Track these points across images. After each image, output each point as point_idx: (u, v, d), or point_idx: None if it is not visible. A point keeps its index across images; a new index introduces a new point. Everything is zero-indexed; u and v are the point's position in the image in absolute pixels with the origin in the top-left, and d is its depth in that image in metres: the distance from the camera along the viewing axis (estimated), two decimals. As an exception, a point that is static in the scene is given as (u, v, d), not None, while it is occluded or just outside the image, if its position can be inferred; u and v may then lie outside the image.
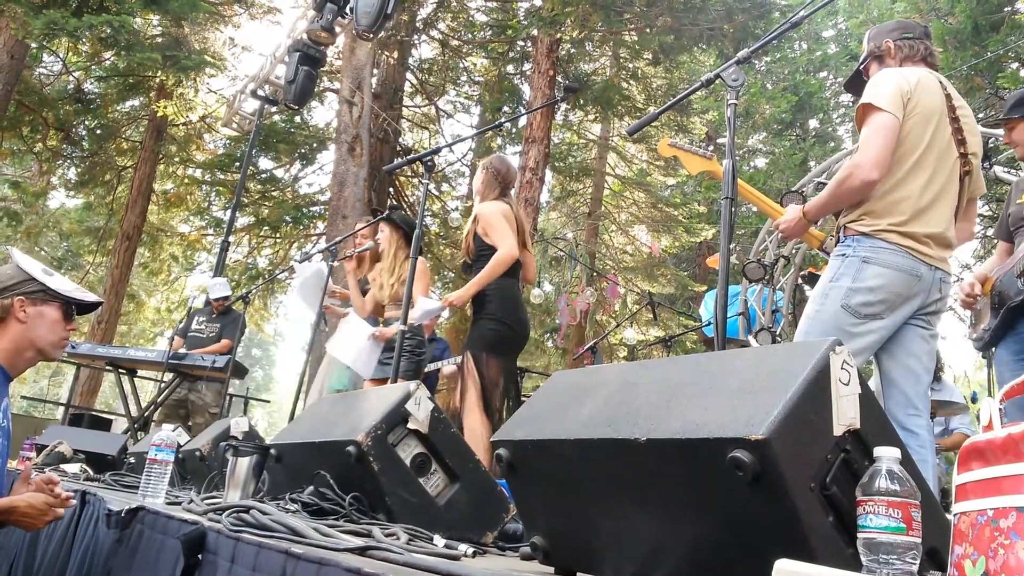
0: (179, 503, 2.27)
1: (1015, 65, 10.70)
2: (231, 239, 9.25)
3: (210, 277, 8.72)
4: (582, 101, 13.19)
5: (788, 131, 15.85)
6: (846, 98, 16.14)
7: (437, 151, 4.05)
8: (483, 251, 3.96)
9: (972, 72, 9.88)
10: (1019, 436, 0.94)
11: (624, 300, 15.47)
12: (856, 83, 2.89)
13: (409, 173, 14.41)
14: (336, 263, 4.92)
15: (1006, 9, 9.92)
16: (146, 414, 6.72)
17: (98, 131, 14.74)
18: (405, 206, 14.01)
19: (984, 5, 9.85)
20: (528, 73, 13.62)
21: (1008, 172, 5.67)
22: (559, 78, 12.28)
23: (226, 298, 6.81)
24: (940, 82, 2.62)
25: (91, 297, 2.26)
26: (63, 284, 2.22)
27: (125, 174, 15.31)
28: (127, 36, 10.34)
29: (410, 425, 2.09)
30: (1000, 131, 5.83)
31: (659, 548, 1.28)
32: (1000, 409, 1.05)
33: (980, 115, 10.43)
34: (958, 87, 9.74)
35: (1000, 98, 10.81)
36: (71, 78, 14.26)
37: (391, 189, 13.74)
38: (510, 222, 3.95)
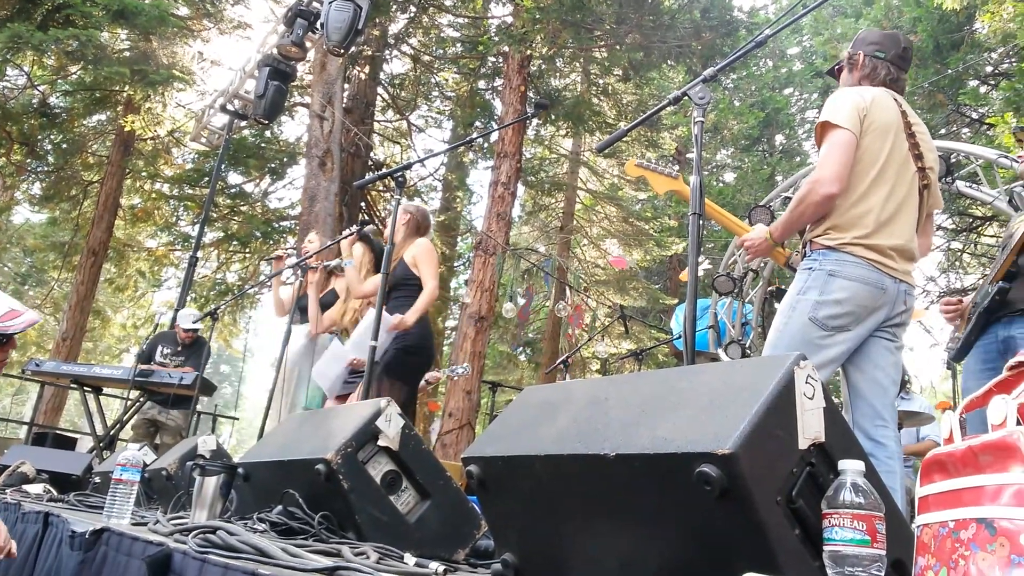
0: (145, 524, 2.23)
1: (975, 82, 10.96)
2: (199, 254, 9.15)
3: (178, 294, 8.58)
4: (553, 116, 13.27)
5: (755, 146, 16.06)
6: (812, 114, 16.40)
7: (408, 166, 4.12)
8: (407, 280, 4.23)
9: (934, 89, 10.09)
10: (979, 448, 0.96)
11: (595, 314, 15.52)
12: (832, 74, 3.02)
13: (381, 188, 14.38)
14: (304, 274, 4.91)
15: (965, 28, 10.17)
16: (112, 433, 6.59)
17: (64, 145, 14.53)
18: (377, 221, 13.97)
19: (945, 24, 10.08)
20: (500, 88, 13.67)
21: (970, 187, 5.78)
22: (530, 93, 12.35)
23: (196, 331, 6.67)
24: (896, 99, 2.68)
25: (17, 324, 2.21)
26: None
27: (91, 189, 15.10)
28: (94, 50, 10.23)
29: (380, 442, 2.08)
30: (962, 145, 5.97)
31: (629, 563, 1.28)
32: (962, 420, 1.07)
33: (942, 130, 10.65)
34: (921, 103, 9.99)
35: (961, 114, 11.07)
36: (36, 92, 14.04)
37: (362, 204, 13.69)
38: (437, 261, 4.35)
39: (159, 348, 6.63)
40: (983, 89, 10.91)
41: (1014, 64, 9.76)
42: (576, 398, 1.55)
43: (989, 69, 11.04)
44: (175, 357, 6.56)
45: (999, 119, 7.85)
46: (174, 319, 7.10)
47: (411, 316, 4.06)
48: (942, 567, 0.95)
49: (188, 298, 9.07)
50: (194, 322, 6.60)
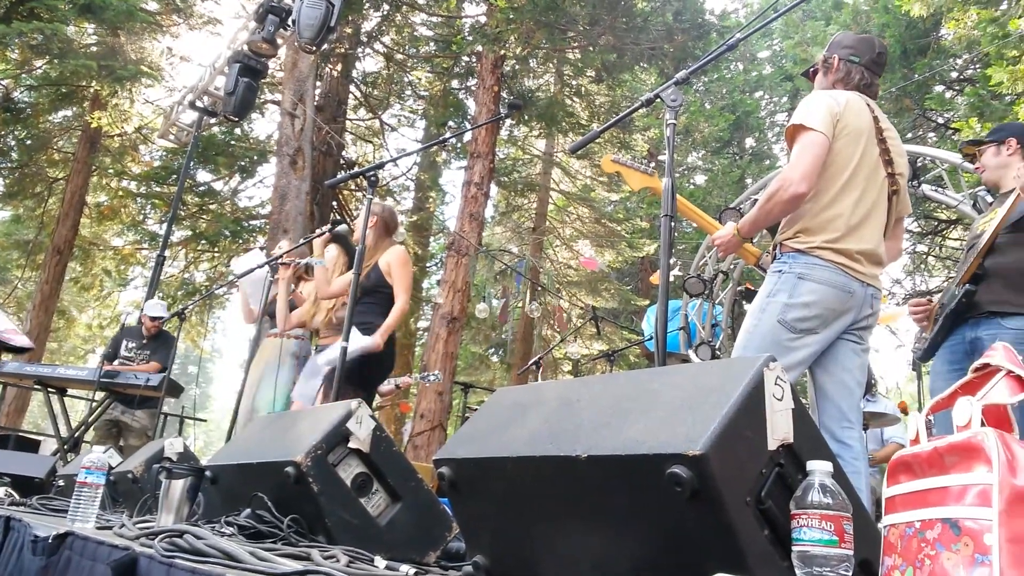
0: (110, 528, 2.19)
1: (940, 87, 11.16)
2: (167, 253, 9.01)
3: (144, 293, 8.45)
4: (527, 117, 13.29)
5: (726, 149, 16.23)
6: (781, 118, 16.61)
7: (381, 166, 4.09)
8: (380, 287, 4.12)
9: (901, 94, 10.26)
10: (944, 449, 0.97)
11: (568, 315, 15.58)
12: (807, 76, 3.02)
13: (353, 187, 14.29)
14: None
15: (932, 35, 10.35)
16: (76, 435, 6.48)
17: (28, 142, 14.27)
18: (349, 220, 13.86)
19: (912, 30, 10.25)
20: (473, 88, 13.66)
21: (935, 191, 5.88)
22: (504, 94, 12.35)
23: (161, 319, 6.55)
24: (868, 104, 2.71)
25: (16, 341, 2.15)
26: None
27: (56, 186, 14.83)
28: (60, 44, 10.06)
29: (351, 444, 2.06)
30: (928, 150, 6.07)
31: (601, 564, 1.29)
32: (928, 421, 1.09)
33: (908, 135, 10.84)
34: (888, 108, 10.15)
35: (928, 119, 11.27)
36: (0, 86, 13.79)
37: (334, 203, 13.60)
38: (411, 274, 4.25)
39: (123, 343, 6.51)
40: (949, 94, 11.13)
41: (978, 70, 9.95)
42: (548, 399, 1.55)
43: (954, 75, 11.25)
44: (141, 351, 6.44)
45: (964, 124, 8.01)
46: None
47: (380, 337, 3.99)
48: (908, 567, 0.96)
49: (155, 297, 8.93)
50: (163, 311, 6.50)
